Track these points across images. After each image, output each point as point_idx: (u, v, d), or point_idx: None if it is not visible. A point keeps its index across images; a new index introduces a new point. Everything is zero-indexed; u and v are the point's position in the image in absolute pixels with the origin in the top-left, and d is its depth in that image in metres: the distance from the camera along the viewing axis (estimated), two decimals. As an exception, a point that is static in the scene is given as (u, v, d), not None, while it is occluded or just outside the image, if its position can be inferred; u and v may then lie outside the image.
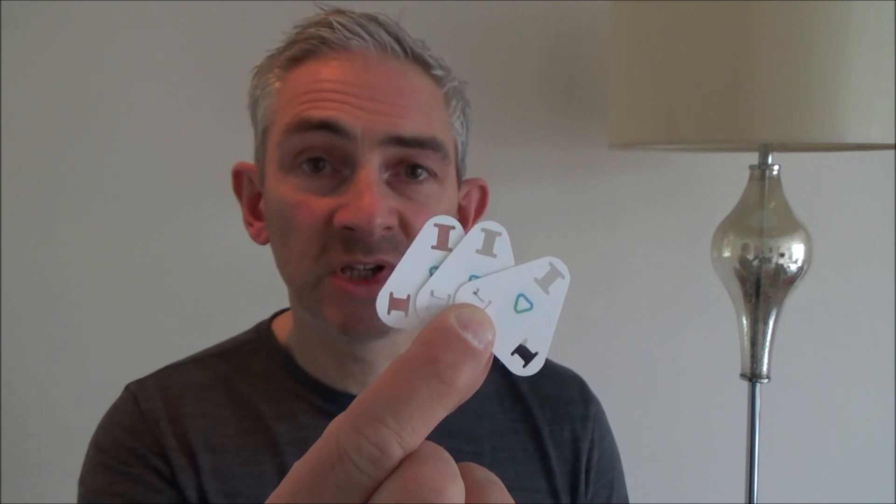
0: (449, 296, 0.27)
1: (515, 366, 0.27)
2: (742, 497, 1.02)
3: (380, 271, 0.61)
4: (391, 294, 0.27)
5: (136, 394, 0.70)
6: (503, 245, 0.28)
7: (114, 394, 0.72)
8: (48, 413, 1.18)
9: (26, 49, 1.14)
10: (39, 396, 1.18)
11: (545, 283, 0.28)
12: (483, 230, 0.28)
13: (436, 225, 0.28)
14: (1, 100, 1.14)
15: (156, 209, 1.17)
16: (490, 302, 0.27)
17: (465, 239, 0.28)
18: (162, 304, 1.18)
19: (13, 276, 1.17)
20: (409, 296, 0.27)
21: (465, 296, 0.27)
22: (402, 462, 0.24)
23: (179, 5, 1.13)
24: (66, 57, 1.14)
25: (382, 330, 0.63)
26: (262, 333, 0.74)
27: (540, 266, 0.28)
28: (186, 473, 0.65)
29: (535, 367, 0.27)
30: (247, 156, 0.71)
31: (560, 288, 0.28)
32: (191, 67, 1.15)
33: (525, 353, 0.28)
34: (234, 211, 0.74)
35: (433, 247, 0.28)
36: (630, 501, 0.81)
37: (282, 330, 0.73)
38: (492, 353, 0.26)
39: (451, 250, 0.28)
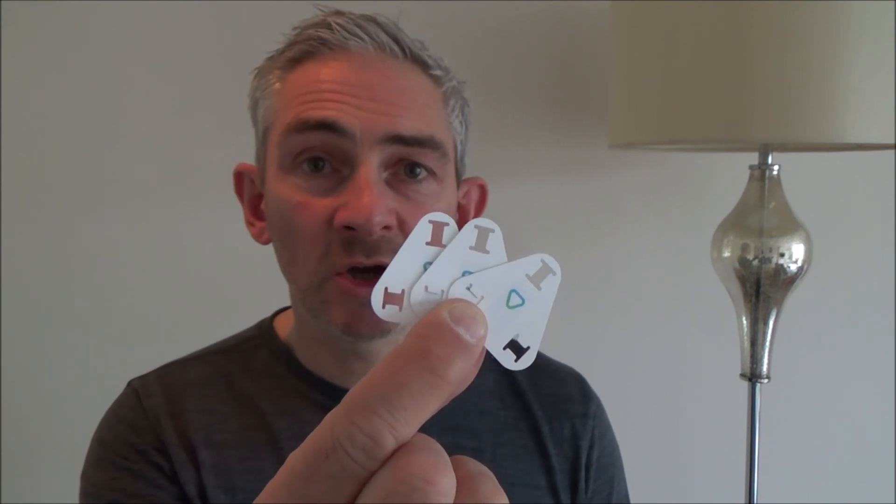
0: (442, 291, 0.28)
1: (507, 360, 0.28)
2: (742, 497, 1.02)
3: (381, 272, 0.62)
4: (386, 289, 0.28)
5: (138, 390, 0.70)
6: (496, 242, 0.28)
7: (115, 392, 0.72)
8: (48, 412, 1.19)
9: (26, 49, 1.14)
10: (39, 396, 1.19)
11: (537, 279, 0.28)
12: (476, 227, 0.28)
13: (430, 221, 0.28)
14: (1, 100, 1.14)
15: (157, 209, 1.17)
16: (483, 297, 0.28)
17: (458, 235, 0.28)
18: (164, 301, 1.18)
19: (13, 275, 1.17)
20: (403, 290, 0.28)
21: (458, 291, 0.28)
22: (394, 453, 0.24)
23: (179, 6, 1.14)
24: (66, 57, 1.14)
25: (385, 331, 0.64)
26: (264, 330, 0.74)
27: (532, 263, 0.28)
28: (186, 469, 0.66)
29: (526, 361, 0.28)
30: (247, 157, 0.72)
31: (551, 284, 0.28)
32: (191, 69, 1.15)
33: (517, 348, 0.28)
34: (235, 211, 0.75)
35: (427, 243, 0.28)
36: (630, 500, 0.81)
37: (283, 327, 0.74)
38: (484, 347, 0.26)
39: (445, 246, 0.28)
